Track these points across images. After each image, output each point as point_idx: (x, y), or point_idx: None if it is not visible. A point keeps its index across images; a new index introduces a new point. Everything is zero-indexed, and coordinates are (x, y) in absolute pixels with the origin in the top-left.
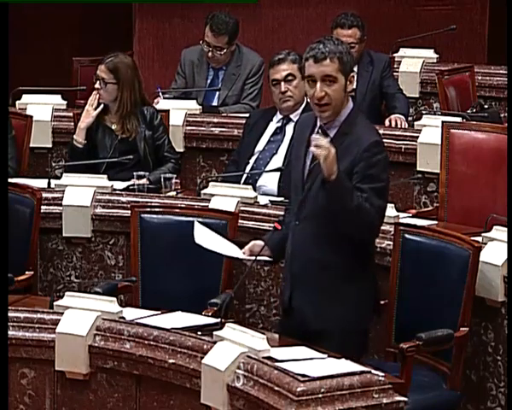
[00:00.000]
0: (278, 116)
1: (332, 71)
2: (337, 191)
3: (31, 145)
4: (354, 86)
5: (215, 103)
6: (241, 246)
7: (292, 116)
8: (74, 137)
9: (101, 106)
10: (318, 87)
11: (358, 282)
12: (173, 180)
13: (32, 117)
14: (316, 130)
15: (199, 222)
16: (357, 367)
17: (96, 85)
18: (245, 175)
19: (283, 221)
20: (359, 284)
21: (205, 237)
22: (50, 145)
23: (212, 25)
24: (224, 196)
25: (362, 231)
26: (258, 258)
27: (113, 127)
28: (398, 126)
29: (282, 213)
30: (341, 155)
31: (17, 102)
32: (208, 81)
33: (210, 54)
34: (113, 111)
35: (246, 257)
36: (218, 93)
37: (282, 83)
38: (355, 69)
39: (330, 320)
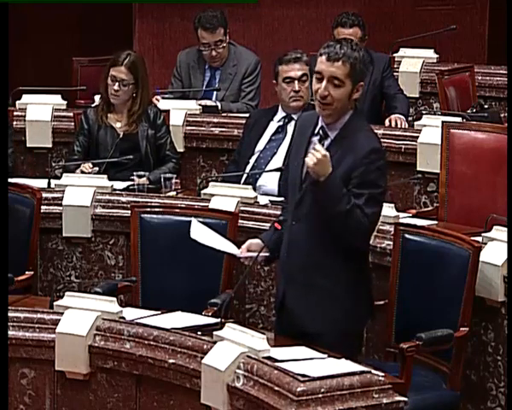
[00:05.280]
0: (279, 115)
1: (341, 74)
2: (324, 193)
3: (31, 145)
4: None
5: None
6: (240, 246)
7: (294, 115)
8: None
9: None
10: (323, 86)
11: (353, 284)
12: (173, 180)
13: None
14: (317, 130)
15: (198, 221)
16: (357, 367)
17: (115, 87)
18: (245, 175)
19: (282, 220)
20: (354, 287)
21: (201, 234)
22: (50, 145)
23: (203, 24)
24: (224, 196)
25: (348, 236)
26: (259, 255)
27: (117, 125)
28: (398, 126)
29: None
30: (340, 159)
31: (17, 102)
32: (205, 82)
33: (214, 53)
34: (123, 110)
35: (242, 254)
36: (215, 94)
37: (296, 82)
38: None
39: (323, 322)
